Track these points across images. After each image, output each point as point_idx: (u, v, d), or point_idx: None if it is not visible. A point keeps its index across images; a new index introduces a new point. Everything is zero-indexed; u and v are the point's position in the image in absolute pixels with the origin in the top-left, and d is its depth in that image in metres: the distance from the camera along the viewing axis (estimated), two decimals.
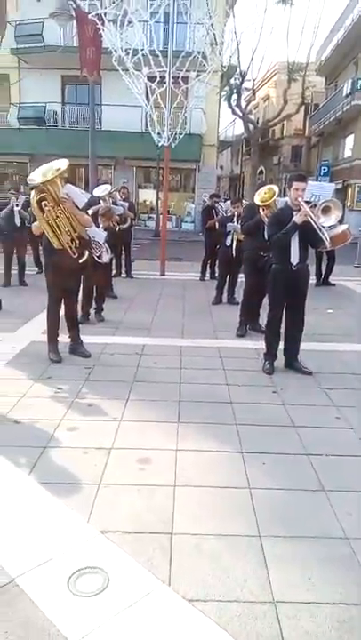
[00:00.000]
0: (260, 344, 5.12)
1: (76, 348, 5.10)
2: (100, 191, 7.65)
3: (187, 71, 9.77)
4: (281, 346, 4.90)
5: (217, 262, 8.70)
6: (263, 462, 3.11)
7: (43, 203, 4.55)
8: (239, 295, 6.83)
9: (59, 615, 1.91)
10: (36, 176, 4.54)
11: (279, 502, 2.71)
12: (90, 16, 9.07)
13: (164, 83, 9.45)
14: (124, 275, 9.73)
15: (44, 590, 2.03)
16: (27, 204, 7.69)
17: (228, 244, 7.21)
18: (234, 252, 7.04)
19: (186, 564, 2.23)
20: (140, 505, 2.64)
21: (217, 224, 8.72)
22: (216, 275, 9.21)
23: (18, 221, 8.26)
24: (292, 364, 4.87)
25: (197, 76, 9.96)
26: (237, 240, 6.98)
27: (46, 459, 3.06)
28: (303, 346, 4.92)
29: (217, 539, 2.40)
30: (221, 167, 39.39)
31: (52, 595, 2.01)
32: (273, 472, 3.01)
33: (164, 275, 10.37)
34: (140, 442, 3.32)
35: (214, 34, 9.97)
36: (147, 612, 1.96)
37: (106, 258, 6.22)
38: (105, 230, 6.28)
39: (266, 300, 5.19)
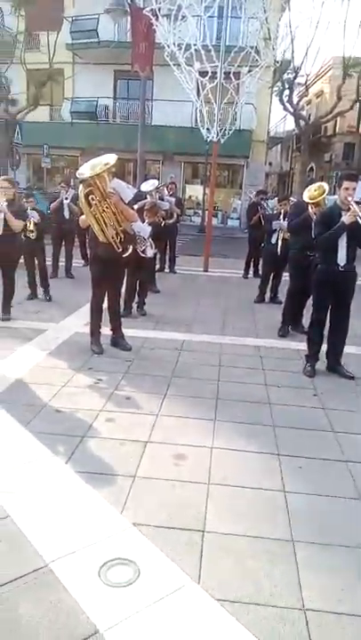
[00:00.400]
0: (302, 345, 5.03)
1: (118, 340, 5.17)
2: (148, 186, 7.71)
3: (239, 66, 9.67)
4: (323, 348, 4.79)
5: (261, 260, 8.61)
6: (299, 466, 3.06)
7: (90, 197, 4.62)
8: (283, 294, 6.73)
9: (89, 603, 1.95)
10: (85, 170, 4.62)
11: (314, 508, 2.66)
12: (144, 11, 9.11)
13: (216, 78, 9.39)
14: (167, 270, 9.77)
15: (76, 577, 2.07)
16: (75, 198, 7.84)
17: (273, 242, 7.11)
18: (279, 251, 6.93)
19: (216, 562, 2.23)
20: (173, 500, 2.65)
21: (262, 221, 8.62)
22: (260, 273, 9.11)
23: (67, 214, 8.44)
24: (334, 367, 4.75)
25: (249, 71, 9.84)
26: (283, 238, 6.87)
27: (84, 448, 3.12)
28: (347, 349, 4.80)
29: (249, 540, 2.38)
30: (270, 163, 38.82)
31: (84, 582, 2.05)
32: (309, 477, 2.95)
33: (207, 271, 10.35)
34: (175, 437, 3.33)
35: (268, 28, 9.81)
36: (175, 607, 1.97)
37: (150, 252, 6.27)
38: (150, 225, 6.32)
39: (310, 301, 5.09)
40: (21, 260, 6.35)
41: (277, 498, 2.73)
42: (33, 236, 6.69)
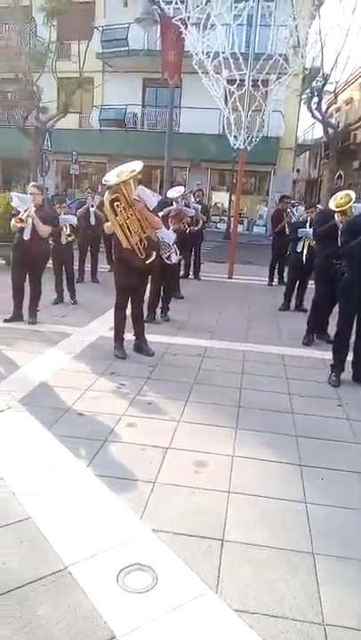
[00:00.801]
0: (327, 354, 4.96)
1: (141, 346, 5.20)
2: (174, 193, 7.74)
3: (267, 74, 9.66)
4: (349, 357, 4.72)
5: (287, 268, 8.54)
6: (322, 477, 3.01)
7: (115, 203, 4.67)
8: (308, 303, 6.66)
9: (107, 608, 1.96)
10: (111, 177, 4.67)
11: (336, 521, 2.61)
12: (174, 20, 9.20)
13: (244, 86, 9.40)
14: (191, 276, 9.79)
15: (94, 581, 2.08)
16: (102, 204, 7.95)
17: (299, 250, 7.05)
18: (305, 259, 6.87)
19: (235, 572, 2.21)
20: (192, 507, 2.64)
21: (287, 228, 8.56)
22: (285, 280, 9.04)
23: (93, 220, 8.55)
24: (360, 377, 4.67)
25: (278, 78, 9.82)
26: (309, 246, 6.81)
27: (105, 452, 3.14)
28: None
29: (268, 551, 2.36)
30: (298, 171, 38.51)
31: (102, 587, 2.06)
32: (331, 488, 2.90)
33: (231, 277, 10.32)
34: (196, 444, 3.32)
35: (298, 36, 9.77)
36: (192, 616, 1.95)
37: (175, 259, 6.29)
38: (175, 232, 6.35)
39: (336, 310, 5.02)
40: (49, 265, 6.44)
41: (298, 509, 2.69)
42: (71, 239, 6.84)
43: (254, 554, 2.33)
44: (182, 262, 8.45)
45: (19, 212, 5.69)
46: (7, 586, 2.03)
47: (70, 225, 6.83)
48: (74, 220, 7.01)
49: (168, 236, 6.05)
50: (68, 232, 6.79)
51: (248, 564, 2.26)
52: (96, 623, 1.89)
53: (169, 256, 6.16)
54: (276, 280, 9.78)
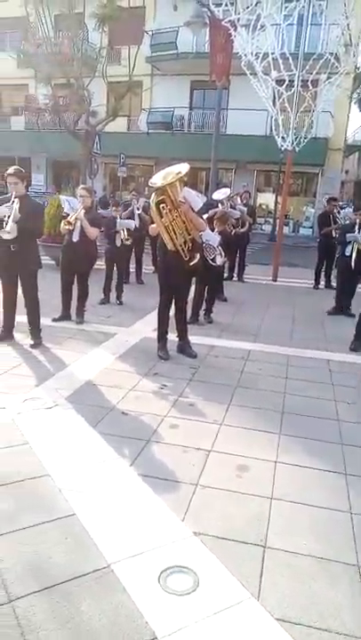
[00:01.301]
0: None
1: (184, 347, 5.22)
2: (220, 195, 7.74)
3: (317, 74, 9.49)
4: None
5: (335, 271, 8.36)
6: None
7: (161, 205, 4.71)
8: (357, 308, 6.49)
9: (148, 608, 1.97)
10: (158, 179, 4.72)
11: None
12: (223, 22, 9.18)
13: (293, 86, 9.27)
14: (235, 278, 9.73)
15: (136, 581, 2.11)
16: (146, 207, 8.08)
17: (347, 254, 6.88)
18: (353, 264, 6.69)
19: (277, 580, 2.18)
20: (234, 512, 2.63)
21: (334, 233, 8.38)
22: (332, 283, 8.85)
23: (137, 222, 8.64)
24: None
25: (328, 78, 9.63)
26: (358, 250, 6.63)
27: (148, 452, 3.17)
28: None
29: (311, 560, 2.31)
30: (347, 172, 37.57)
31: (144, 587, 2.08)
32: None
33: (276, 280, 10.19)
34: (239, 448, 3.30)
35: (350, 34, 9.55)
36: (233, 622, 1.94)
37: (219, 261, 6.27)
38: (220, 234, 6.34)
39: None
40: (97, 266, 6.56)
41: (343, 519, 2.63)
42: (128, 242, 7.01)
43: (297, 562, 2.29)
44: (226, 264, 8.41)
45: (68, 215, 5.83)
46: (53, 580, 2.08)
47: (127, 229, 6.99)
48: (131, 224, 7.17)
49: (213, 238, 6.05)
50: (125, 236, 6.95)
51: (290, 573, 2.22)
52: (137, 623, 1.91)
53: (214, 258, 6.15)
54: (322, 283, 9.57)
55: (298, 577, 2.21)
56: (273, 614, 1.99)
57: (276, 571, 2.23)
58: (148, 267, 9.37)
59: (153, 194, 4.85)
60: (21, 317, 5.23)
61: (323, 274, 9.57)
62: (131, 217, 8.67)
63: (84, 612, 1.94)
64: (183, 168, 4.70)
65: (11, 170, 4.89)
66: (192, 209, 4.79)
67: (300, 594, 2.11)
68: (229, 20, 9.01)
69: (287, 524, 2.57)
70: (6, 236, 4.69)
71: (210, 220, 6.18)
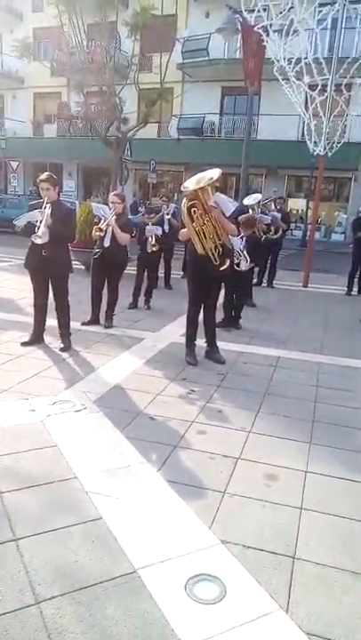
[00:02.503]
0: None
1: (212, 353, 5.19)
2: (250, 200, 7.70)
3: (351, 77, 9.37)
4: None
5: None
6: None
7: (193, 209, 4.72)
8: None
9: (174, 616, 1.95)
10: (190, 184, 4.73)
11: None
12: (255, 28, 9.17)
13: (326, 91, 9.17)
14: (265, 284, 9.64)
15: (162, 588, 2.08)
16: (176, 212, 8.13)
17: None
18: None
19: (307, 593, 2.12)
20: (263, 521, 2.58)
21: None
22: None
23: (167, 228, 8.68)
24: None
25: None
26: None
27: (175, 458, 3.16)
28: None
29: (343, 574, 2.25)
30: None
31: (170, 594, 2.05)
32: None
33: (307, 286, 10.06)
34: (267, 456, 3.24)
35: None
36: (261, 634, 1.90)
37: (244, 266, 6.22)
38: (247, 239, 6.29)
39: None
40: (127, 271, 6.60)
41: None
42: (155, 249, 7.08)
43: (327, 575, 2.23)
44: (256, 270, 8.34)
45: (100, 221, 5.90)
46: (79, 583, 2.08)
47: (155, 235, 7.04)
48: (159, 230, 7.23)
49: (234, 241, 6.00)
50: (153, 242, 7.01)
51: (321, 587, 2.16)
52: (164, 630, 1.89)
53: (239, 263, 6.12)
54: (355, 289, 9.40)
55: (328, 590, 2.15)
56: (302, 628, 1.94)
57: (306, 583, 2.18)
58: (176, 272, 9.40)
59: (184, 198, 4.86)
60: (52, 321, 5.30)
61: (356, 280, 9.40)
62: (160, 223, 8.73)
63: (111, 617, 1.93)
64: (215, 173, 4.70)
65: (43, 176, 4.98)
66: (223, 214, 4.78)
67: (330, 608, 2.05)
68: (262, 26, 8.99)
69: (317, 535, 2.50)
70: (38, 241, 4.78)
71: (236, 225, 6.14)
